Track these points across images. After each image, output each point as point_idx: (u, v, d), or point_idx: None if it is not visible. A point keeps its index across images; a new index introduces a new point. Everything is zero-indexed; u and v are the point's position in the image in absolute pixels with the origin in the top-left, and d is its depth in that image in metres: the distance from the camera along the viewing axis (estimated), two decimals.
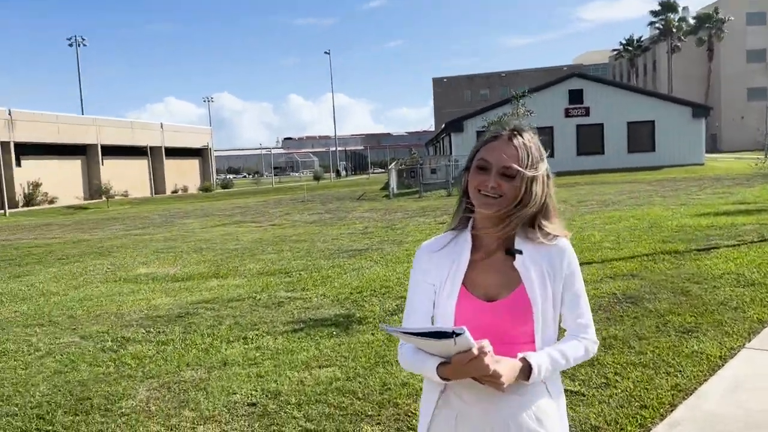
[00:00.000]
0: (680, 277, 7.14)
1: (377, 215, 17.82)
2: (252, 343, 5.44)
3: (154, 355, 5.22)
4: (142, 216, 24.14)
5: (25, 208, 32.42)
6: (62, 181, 36.45)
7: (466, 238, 1.69)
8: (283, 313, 6.50)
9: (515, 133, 1.64)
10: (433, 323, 1.70)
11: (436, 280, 1.69)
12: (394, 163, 33.49)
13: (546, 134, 34.11)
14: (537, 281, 1.61)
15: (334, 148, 74.57)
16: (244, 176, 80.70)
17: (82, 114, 41.89)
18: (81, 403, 4.11)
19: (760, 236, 9.57)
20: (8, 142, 33.08)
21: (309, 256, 10.47)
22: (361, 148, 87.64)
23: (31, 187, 33.93)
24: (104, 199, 35.92)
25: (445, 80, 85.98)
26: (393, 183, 29.48)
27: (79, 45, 55.37)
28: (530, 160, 1.60)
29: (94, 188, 37.26)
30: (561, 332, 1.72)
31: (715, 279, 6.93)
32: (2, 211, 29.84)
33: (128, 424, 3.77)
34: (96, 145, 39.10)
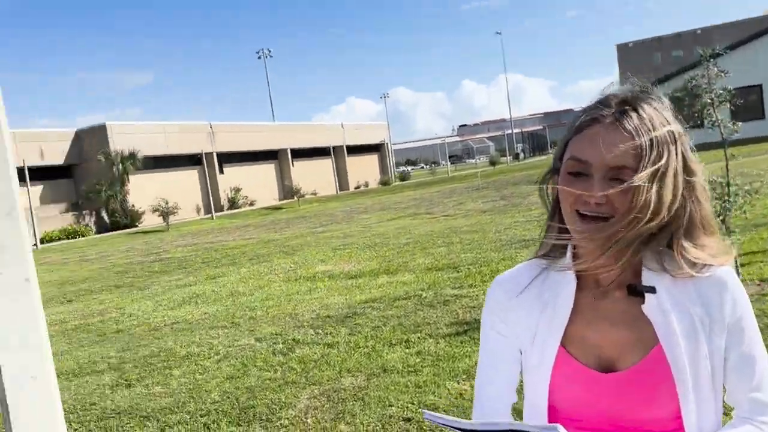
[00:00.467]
0: None
1: None
2: (413, 347, 5.30)
3: (318, 359, 5.29)
4: (327, 213, 25.39)
5: (229, 212, 35.77)
6: (259, 184, 39.68)
7: (566, 273, 1.15)
8: (448, 312, 6.29)
9: (627, 107, 1.05)
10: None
11: (520, 335, 1.18)
12: None
13: (754, 93, 30.26)
14: (682, 336, 1.06)
15: (510, 131, 73.00)
16: (422, 167, 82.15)
17: (274, 120, 45.35)
18: (245, 413, 4.24)
19: None
20: (211, 153, 36.71)
21: (479, 249, 10.16)
22: (540, 128, 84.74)
23: (233, 192, 37.34)
24: (295, 199, 38.43)
25: (630, 45, 79.98)
26: None
27: (266, 57, 59.84)
28: (657, 148, 1.02)
29: (286, 189, 40.08)
30: (727, 414, 1.15)
31: None
32: (210, 216, 33.16)
33: None
34: (286, 150, 42.00)
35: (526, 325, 1.17)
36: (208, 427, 4.04)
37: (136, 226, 31.46)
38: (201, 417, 4.24)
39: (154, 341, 6.68)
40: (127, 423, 4.33)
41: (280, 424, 3.98)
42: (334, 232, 16.68)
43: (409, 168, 75.21)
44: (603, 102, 1.07)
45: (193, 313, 7.97)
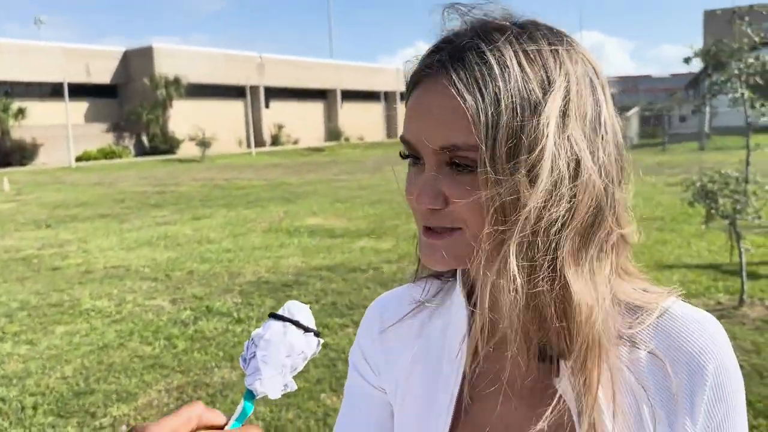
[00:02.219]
0: None
1: None
2: (328, 336, 4.42)
3: (213, 337, 4.48)
4: (361, 160, 24.51)
5: (271, 148, 35.29)
6: (305, 123, 38.96)
7: (458, 306, 0.71)
8: None
9: (466, 49, 0.59)
10: None
11: (391, 387, 0.78)
12: (634, 109, 29.62)
13: None
14: (616, 430, 0.62)
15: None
16: None
17: (331, 59, 44.33)
18: (71, 402, 3.47)
19: None
20: (258, 86, 36.04)
21: None
22: (612, 92, 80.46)
23: (276, 129, 36.78)
24: (340, 141, 37.66)
25: (719, 13, 74.45)
26: (632, 132, 26.12)
27: None
28: (510, 114, 0.56)
29: (331, 131, 39.27)
30: None
31: None
32: (250, 150, 32.75)
33: None
34: (335, 90, 40.96)
35: (398, 374, 0.76)
36: (23, 412, 3.29)
37: (175, 153, 31.37)
38: (30, 396, 3.51)
39: (74, 287, 6.02)
40: None
41: (98, 425, 3.20)
42: (352, 182, 15.81)
43: None
44: (439, 43, 0.62)
45: (141, 258, 7.29)
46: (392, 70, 46.05)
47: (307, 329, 0.66)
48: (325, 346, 4.19)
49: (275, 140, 36.61)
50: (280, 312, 0.67)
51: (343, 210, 10.70)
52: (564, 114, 0.58)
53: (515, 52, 0.58)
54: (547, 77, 0.58)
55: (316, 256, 7.04)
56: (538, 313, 0.61)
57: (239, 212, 10.84)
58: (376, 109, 44.64)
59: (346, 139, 39.32)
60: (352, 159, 25.77)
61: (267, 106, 36.97)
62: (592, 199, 0.59)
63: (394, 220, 9.37)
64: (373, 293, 5.44)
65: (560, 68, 0.59)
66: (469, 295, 0.71)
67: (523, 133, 0.57)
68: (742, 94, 3.83)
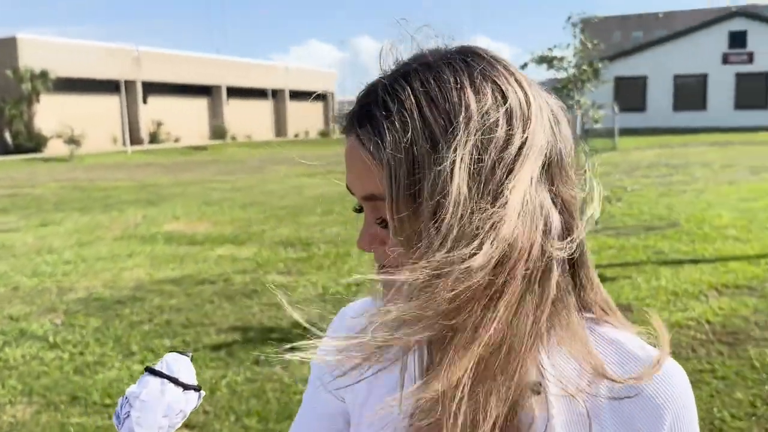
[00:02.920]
0: None
1: None
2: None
3: (14, 367, 3.93)
4: (244, 160, 23.72)
5: (149, 146, 33.54)
6: (187, 120, 37.34)
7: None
8: (242, 310, 5.00)
9: (372, 98, 0.62)
10: None
11: (350, 397, 0.78)
12: None
13: (698, 83, 29.70)
14: None
15: None
16: None
17: (219, 55, 42.82)
18: None
19: None
20: (134, 81, 34.13)
21: (351, 222, 8.90)
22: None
23: (155, 126, 34.99)
24: (225, 140, 36.47)
25: (594, 21, 78.97)
26: None
27: None
28: (420, 159, 0.58)
29: (216, 129, 37.90)
30: None
31: None
32: (125, 149, 30.96)
33: None
34: (221, 86, 39.59)
35: (355, 388, 0.74)
36: None
37: (41, 151, 29.11)
38: None
39: None
40: None
41: None
42: (228, 183, 15.17)
43: None
44: (358, 96, 0.65)
45: None
46: (281, 67, 45.21)
47: (186, 386, 0.61)
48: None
49: (153, 138, 34.79)
50: (157, 367, 0.63)
51: (210, 213, 10.14)
52: (469, 154, 0.57)
53: (416, 98, 0.59)
54: (449, 119, 0.58)
55: (165, 267, 6.52)
56: None
57: (93, 217, 10.00)
58: (265, 107, 43.64)
59: (233, 138, 38.13)
60: (235, 158, 24.91)
61: (145, 101, 35.07)
62: (505, 243, 0.56)
63: (262, 225, 8.96)
64: (216, 309, 5.05)
65: (464, 107, 0.58)
66: None
67: (424, 179, 0.57)
68: (578, 100, 3.81)
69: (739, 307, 4.71)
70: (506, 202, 0.56)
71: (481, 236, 0.54)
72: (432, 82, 0.59)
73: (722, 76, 29.37)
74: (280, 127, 44.55)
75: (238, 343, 4.29)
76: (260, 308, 5.03)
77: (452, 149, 0.56)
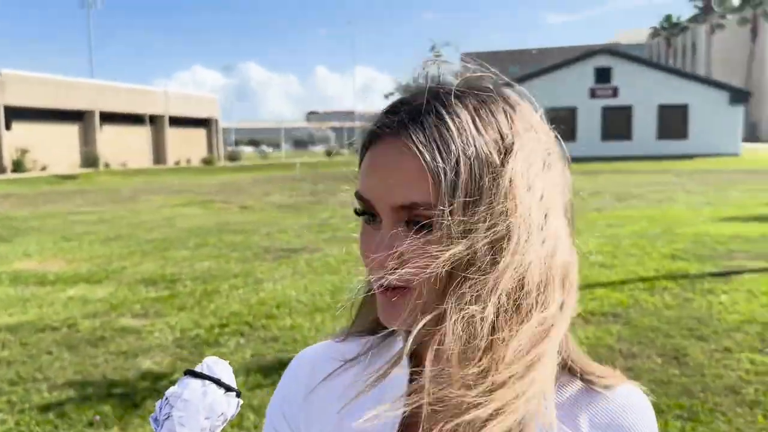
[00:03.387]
0: (680, 325, 5.00)
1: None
2: None
3: None
4: (116, 189, 22.36)
5: (12, 175, 30.97)
6: (56, 147, 34.89)
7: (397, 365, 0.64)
8: (82, 361, 4.44)
9: (421, 111, 0.63)
10: None
11: None
12: None
13: (568, 116, 31.57)
14: None
15: (355, 123, 72.52)
16: (263, 149, 78.78)
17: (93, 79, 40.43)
18: None
19: None
20: None
21: (226, 256, 8.44)
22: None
23: (19, 154, 32.40)
24: (98, 168, 34.43)
25: (474, 55, 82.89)
26: None
27: (90, 7, 53.74)
28: (470, 170, 0.61)
29: (88, 156, 35.67)
30: None
31: (729, 332, 4.76)
32: None
33: None
34: (93, 111, 37.43)
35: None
36: None
37: None
38: None
39: None
40: None
41: None
42: (94, 214, 14.11)
43: (250, 148, 71.81)
44: (396, 104, 0.67)
45: None
46: (160, 92, 43.50)
47: (228, 388, 0.61)
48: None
49: (18, 166, 32.16)
50: (197, 368, 0.62)
51: (67, 249, 9.28)
52: (520, 174, 0.61)
53: (470, 115, 0.62)
54: (502, 138, 0.62)
55: (2, 313, 5.77)
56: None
57: None
58: (142, 133, 41.69)
59: (106, 165, 36.09)
60: (107, 187, 23.44)
61: (8, 127, 32.43)
62: (540, 262, 0.61)
63: (123, 261, 8.27)
64: (53, 360, 4.46)
65: (512, 129, 0.63)
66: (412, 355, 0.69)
67: (482, 193, 0.60)
68: None
69: (604, 335, 4.76)
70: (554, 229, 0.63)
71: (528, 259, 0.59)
72: (482, 102, 0.63)
73: (591, 109, 31.42)
74: (159, 154, 42.70)
75: (73, 400, 3.75)
76: (105, 358, 4.49)
77: (509, 170, 0.60)
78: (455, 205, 0.59)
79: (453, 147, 0.60)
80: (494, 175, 0.60)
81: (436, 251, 0.58)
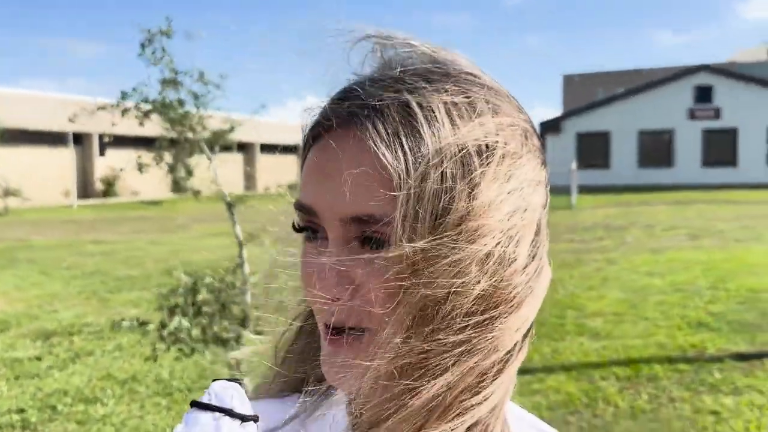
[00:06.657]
0: None
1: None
2: None
3: None
4: (177, 217, 22.42)
5: (101, 200, 32.38)
6: (148, 173, 36.32)
7: (338, 424, 0.59)
8: None
9: (381, 98, 0.51)
10: None
11: None
12: None
13: (664, 139, 28.69)
14: None
15: None
16: None
17: None
18: None
19: None
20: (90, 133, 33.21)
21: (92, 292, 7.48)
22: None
23: (110, 179, 33.90)
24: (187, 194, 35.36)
25: (577, 78, 79.26)
26: None
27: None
28: (449, 176, 0.50)
29: (176, 182, 36.83)
30: None
31: None
32: (71, 203, 29.77)
33: None
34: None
35: None
36: None
37: None
38: None
39: None
40: None
41: None
42: (118, 244, 13.82)
43: None
44: (349, 88, 0.55)
45: None
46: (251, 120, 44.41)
47: (244, 418, 0.55)
48: None
49: (108, 191, 33.67)
50: (204, 399, 0.56)
51: (21, 287, 8.68)
52: (499, 180, 0.51)
53: (445, 104, 0.51)
54: (484, 135, 0.51)
55: None
56: None
57: None
58: (235, 160, 42.70)
59: (197, 192, 36.90)
60: (180, 214, 23.62)
61: (102, 153, 34.11)
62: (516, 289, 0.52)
63: (60, 303, 7.53)
64: None
65: (495, 123, 0.52)
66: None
67: (453, 203, 0.49)
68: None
69: None
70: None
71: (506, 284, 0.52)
72: (459, 91, 0.52)
73: (689, 132, 28.34)
74: (249, 180, 43.48)
75: None
76: None
77: (489, 174, 0.51)
78: (419, 217, 0.48)
79: (419, 143, 0.50)
80: (470, 183, 0.50)
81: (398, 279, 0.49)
